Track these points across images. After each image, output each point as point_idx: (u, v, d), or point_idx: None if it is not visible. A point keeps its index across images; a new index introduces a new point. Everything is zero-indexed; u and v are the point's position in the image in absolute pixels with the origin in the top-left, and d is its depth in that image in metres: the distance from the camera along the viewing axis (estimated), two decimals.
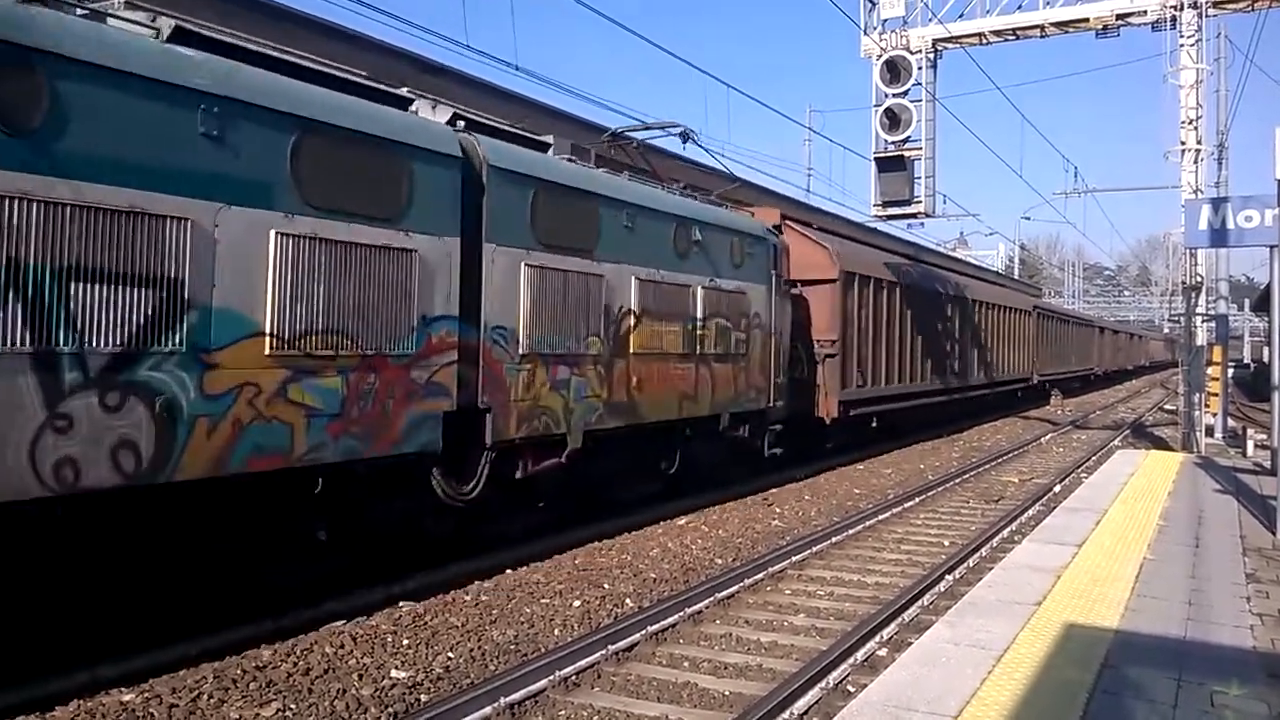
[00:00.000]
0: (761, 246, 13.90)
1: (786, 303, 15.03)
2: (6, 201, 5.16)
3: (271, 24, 8.34)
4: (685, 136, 13.49)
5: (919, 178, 18.55)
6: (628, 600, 8.44)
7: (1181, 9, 18.55)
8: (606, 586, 8.83)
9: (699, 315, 12.00)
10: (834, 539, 11.08)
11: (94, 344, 5.57)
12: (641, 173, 12.72)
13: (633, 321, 10.62)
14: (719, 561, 10.02)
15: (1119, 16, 19.25)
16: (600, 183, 10.44)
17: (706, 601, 8.28)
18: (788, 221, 16.98)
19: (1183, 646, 5.66)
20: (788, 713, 5.91)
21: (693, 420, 12.11)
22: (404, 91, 8.57)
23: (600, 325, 10.08)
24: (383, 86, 8.19)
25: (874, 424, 19.18)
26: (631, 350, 10.59)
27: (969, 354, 25.26)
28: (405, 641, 7.09)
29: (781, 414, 14.56)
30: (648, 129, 13.82)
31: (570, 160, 10.40)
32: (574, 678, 6.46)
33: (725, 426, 12.92)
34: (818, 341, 16.79)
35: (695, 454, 12.57)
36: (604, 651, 6.86)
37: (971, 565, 9.95)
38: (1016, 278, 57.86)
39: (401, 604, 7.93)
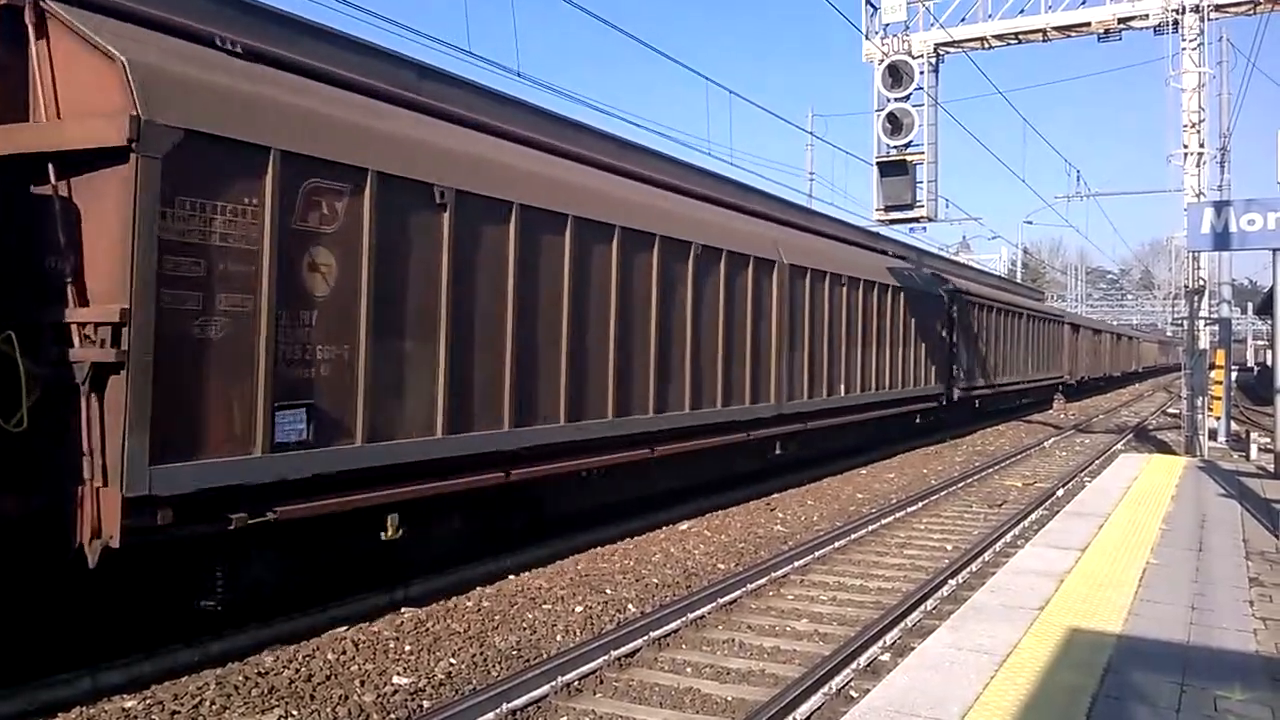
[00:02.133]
0: None
1: None
2: None
3: (271, 27, 8.16)
4: None
5: (921, 182, 18.54)
6: (630, 605, 8.44)
7: (1183, 13, 18.56)
8: (609, 592, 8.83)
9: None
10: (837, 544, 11.07)
11: None
12: None
13: None
14: (721, 566, 10.01)
15: (1121, 20, 19.25)
16: None
17: (709, 607, 8.28)
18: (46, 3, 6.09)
19: (1186, 651, 5.65)
20: (790, 718, 5.91)
21: None
22: None
23: None
24: None
25: (392, 532, 7.62)
26: None
27: (794, 358, 14.66)
28: (407, 647, 7.09)
29: None
30: None
31: None
32: (576, 683, 6.46)
33: None
34: (78, 329, 5.80)
35: None
36: (606, 657, 6.86)
37: (974, 570, 9.93)
38: (1021, 281, 57.31)
39: (403, 610, 7.92)
